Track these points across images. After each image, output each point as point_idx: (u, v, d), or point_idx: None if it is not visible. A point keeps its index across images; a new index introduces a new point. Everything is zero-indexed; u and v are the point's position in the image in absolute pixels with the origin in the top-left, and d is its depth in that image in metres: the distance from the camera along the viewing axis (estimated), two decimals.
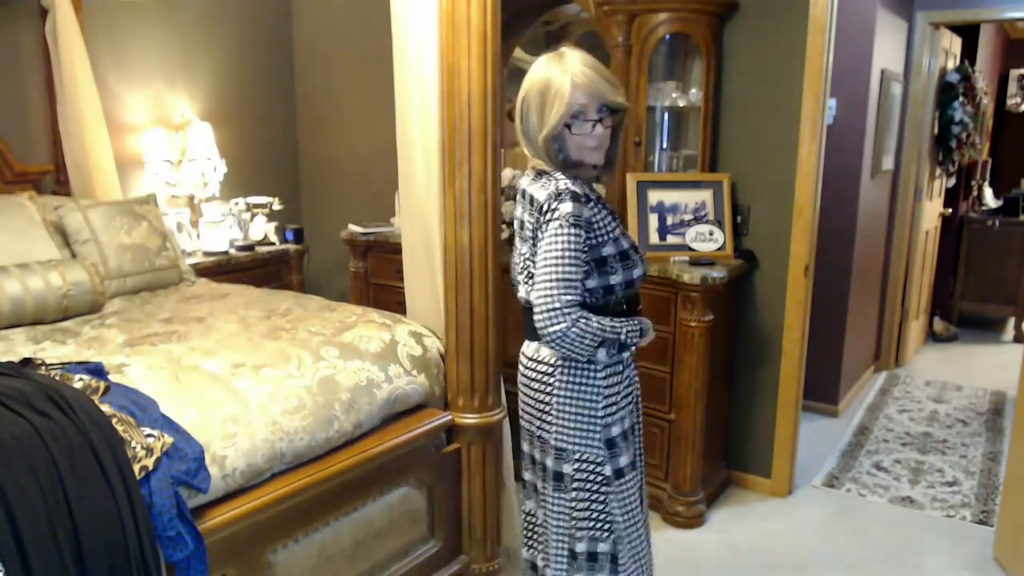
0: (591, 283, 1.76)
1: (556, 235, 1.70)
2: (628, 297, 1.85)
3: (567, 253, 1.70)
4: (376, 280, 3.93)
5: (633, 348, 1.85)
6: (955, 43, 5.31)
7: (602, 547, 1.90)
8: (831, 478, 3.57)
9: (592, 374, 1.84)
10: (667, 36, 3.21)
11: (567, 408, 1.85)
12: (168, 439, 1.75)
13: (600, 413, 1.84)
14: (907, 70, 4.76)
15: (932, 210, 5.44)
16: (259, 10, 4.42)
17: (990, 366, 5.32)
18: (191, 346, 2.26)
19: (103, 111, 3.46)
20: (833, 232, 4.06)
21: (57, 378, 1.85)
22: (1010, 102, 6.85)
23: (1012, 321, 6.14)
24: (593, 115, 1.70)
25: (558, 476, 1.89)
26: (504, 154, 3.64)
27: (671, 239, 3.23)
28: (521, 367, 1.97)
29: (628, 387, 1.92)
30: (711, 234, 3.19)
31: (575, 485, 1.87)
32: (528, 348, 1.95)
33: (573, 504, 1.89)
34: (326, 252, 4.62)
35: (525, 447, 2.00)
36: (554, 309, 1.69)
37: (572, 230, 1.70)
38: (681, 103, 3.40)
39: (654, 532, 3.08)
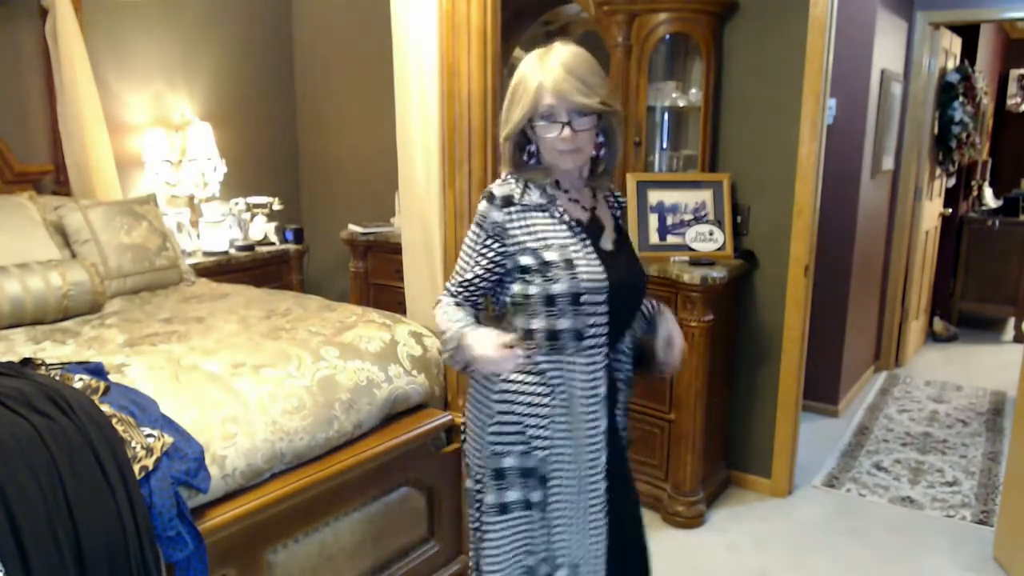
0: (532, 290, 1.64)
1: (469, 230, 1.73)
2: (577, 335, 1.64)
3: (464, 248, 1.72)
4: (376, 280, 3.93)
5: (446, 356, 1.70)
6: (955, 43, 5.31)
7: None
8: (831, 478, 3.57)
9: (488, 387, 1.70)
10: (667, 36, 3.21)
11: (469, 416, 1.79)
12: (168, 439, 1.75)
13: (487, 436, 1.70)
14: (907, 70, 4.76)
15: (932, 210, 5.44)
16: (259, 10, 4.42)
17: (990, 366, 5.32)
18: (191, 346, 2.26)
19: (103, 111, 3.46)
20: (833, 232, 4.06)
21: (57, 378, 1.85)
22: (1010, 102, 6.85)
23: (1012, 321, 6.14)
24: (562, 117, 1.61)
25: (467, 489, 1.82)
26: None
27: (671, 239, 3.23)
28: None
29: (538, 423, 1.67)
30: (711, 234, 3.19)
31: (473, 506, 1.78)
32: None
33: (473, 528, 1.80)
34: (326, 252, 4.62)
35: None
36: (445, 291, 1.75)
37: (474, 228, 1.70)
38: (681, 103, 3.40)
39: (654, 532, 3.08)
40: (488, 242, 1.66)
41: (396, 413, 2.37)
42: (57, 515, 1.51)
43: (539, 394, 1.67)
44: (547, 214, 1.67)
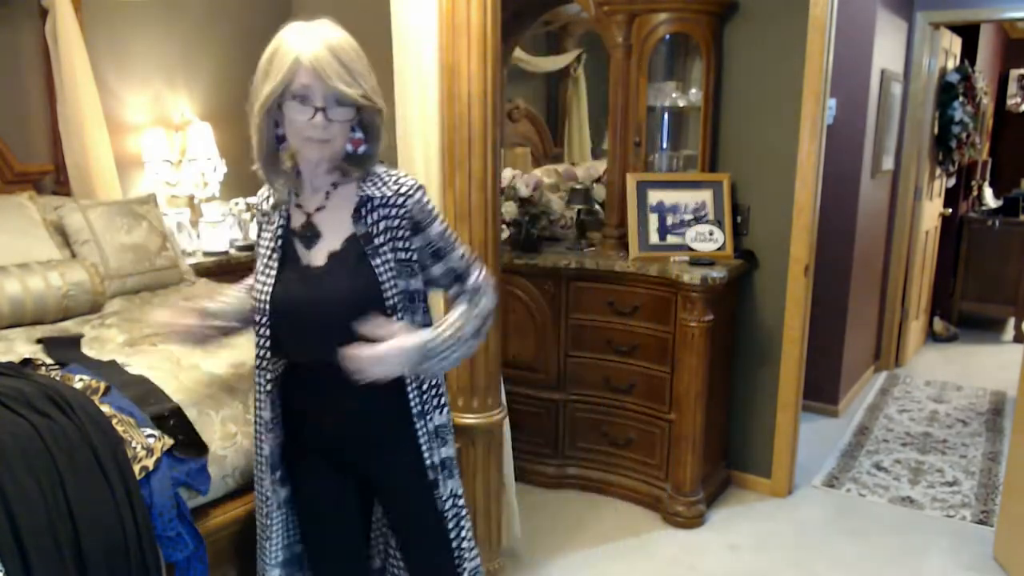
0: None
1: None
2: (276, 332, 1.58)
3: None
4: None
5: None
6: (955, 43, 5.31)
7: None
8: (831, 478, 3.57)
9: None
10: (667, 36, 3.21)
11: None
12: (169, 439, 1.75)
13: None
14: (907, 70, 4.76)
15: (932, 210, 5.44)
16: (259, 10, 4.42)
17: (990, 366, 5.32)
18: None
19: (103, 111, 3.46)
20: (833, 232, 4.06)
21: (57, 378, 1.85)
22: (1010, 102, 6.84)
23: (1012, 321, 6.14)
24: (318, 102, 1.43)
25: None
26: (504, 154, 3.64)
27: (671, 239, 3.23)
28: None
29: (262, 421, 1.65)
30: (711, 234, 3.19)
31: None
32: None
33: None
34: None
35: None
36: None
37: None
38: (681, 103, 3.40)
39: (654, 532, 3.09)
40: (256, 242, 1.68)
41: None
42: (57, 515, 1.51)
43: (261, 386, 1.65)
44: (268, 220, 1.63)
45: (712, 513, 3.24)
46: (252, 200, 4.14)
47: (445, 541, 1.67)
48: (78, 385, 1.82)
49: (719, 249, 3.18)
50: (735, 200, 3.28)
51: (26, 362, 2.01)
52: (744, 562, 2.90)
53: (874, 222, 4.61)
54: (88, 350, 2.25)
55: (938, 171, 5.41)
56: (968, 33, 5.62)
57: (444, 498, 1.66)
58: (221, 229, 3.91)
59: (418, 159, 2.46)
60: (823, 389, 4.30)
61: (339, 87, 1.42)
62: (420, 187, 1.59)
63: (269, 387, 1.62)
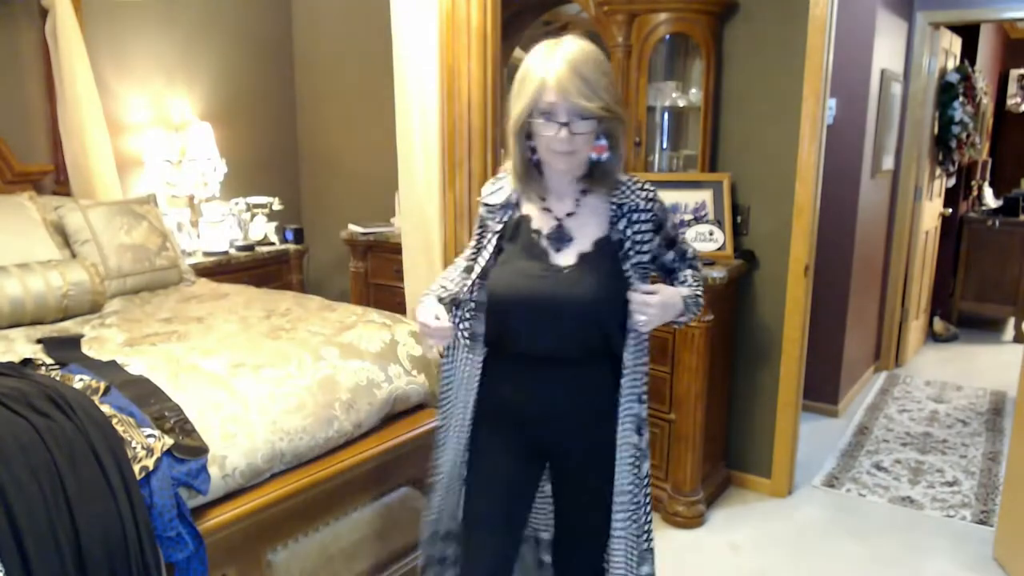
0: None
1: None
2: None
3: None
4: (376, 280, 3.93)
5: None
6: (955, 43, 5.30)
7: None
8: (831, 478, 3.57)
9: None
10: (667, 36, 3.21)
11: None
12: (168, 439, 1.75)
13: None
14: (907, 70, 4.76)
15: (932, 210, 5.44)
16: (259, 10, 4.42)
17: (990, 366, 5.32)
18: (191, 346, 2.26)
19: (103, 111, 3.46)
20: (833, 232, 4.06)
21: (57, 378, 1.85)
22: (1010, 102, 6.84)
23: (1012, 321, 6.14)
24: (561, 117, 1.55)
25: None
26: (504, 154, 3.64)
27: None
28: None
29: (458, 400, 1.80)
30: (711, 234, 3.19)
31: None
32: None
33: None
34: (326, 252, 4.62)
35: None
36: None
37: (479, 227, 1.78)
38: (681, 103, 3.40)
39: (654, 532, 3.08)
40: (476, 234, 1.77)
41: (396, 413, 2.37)
42: (57, 515, 1.52)
43: (457, 368, 1.80)
44: (495, 219, 1.73)
45: (712, 513, 3.24)
46: (252, 200, 4.14)
47: (628, 524, 1.76)
48: (78, 385, 1.82)
49: (719, 249, 3.18)
50: (735, 200, 3.28)
51: (26, 362, 2.01)
52: (744, 562, 2.90)
53: (874, 222, 4.61)
54: (88, 350, 2.25)
55: (938, 171, 5.41)
56: (968, 33, 5.61)
57: (643, 476, 1.76)
58: (221, 229, 3.91)
59: (418, 159, 2.47)
60: (823, 389, 4.30)
61: (580, 103, 1.54)
62: (655, 188, 1.74)
63: (479, 369, 1.75)
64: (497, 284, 1.69)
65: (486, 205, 1.76)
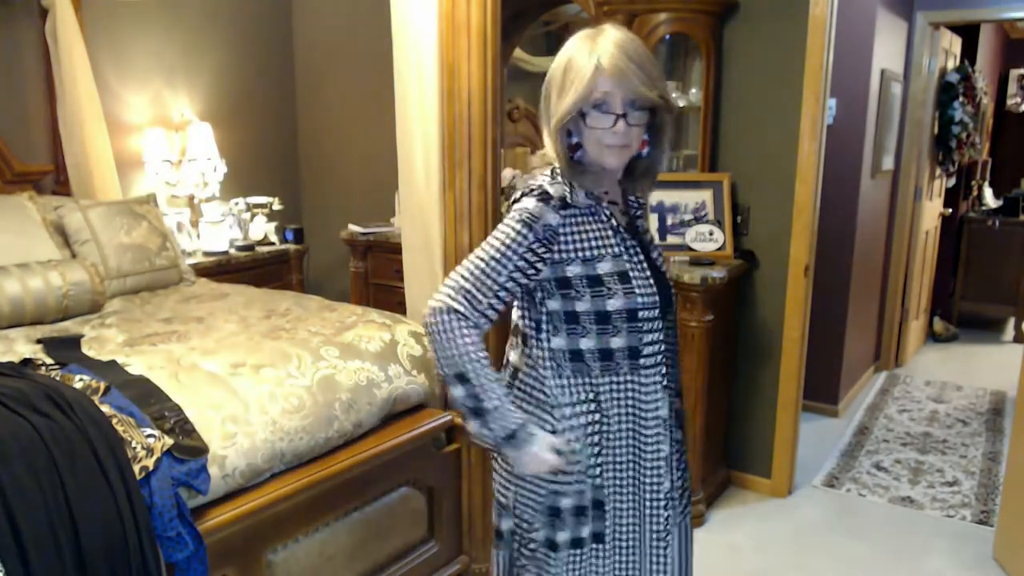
0: (579, 306, 1.47)
1: (501, 228, 1.45)
2: (633, 353, 1.48)
3: (493, 253, 1.43)
4: (376, 280, 3.93)
5: (478, 427, 1.45)
6: (955, 43, 5.30)
7: None
8: (831, 478, 3.57)
9: (547, 413, 1.51)
10: (667, 36, 3.21)
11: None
12: (168, 439, 1.75)
13: (543, 477, 1.52)
14: (907, 70, 4.76)
15: (932, 210, 5.44)
16: (259, 10, 4.42)
17: (990, 366, 5.32)
18: (191, 346, 2.26)
19: (103, 111, 3.46)
20: (833, 232, 4.06)
21: (57, 378, 1.85)
22: (1010, 102, 6.84)
23: (1012, 321, 6.14)
24: (617, 108, 1.40)
25: (497, 533, 1.64)
26: (504, 154, 3.64)
27: (671, 239, 3.23)
28: None
29: (601, 454, 1.53)
30: (711, 234, 3.19)
31: (513, 547, 1.61)
32: None
33: (512, 570, 1.63)
34: (326, 252, 4.61)
35: None
36: (448, 288, 1.45)
37: (517, 229, 1.43)
38: (681, 103, 3.40)
39: None
40: (535, 247, 1.43)
41: (396, 413, 2.37)
42: (57, 515, 1.51)
43: (594, 422, 1.51)
44: (596, 219, 1.49)
45: (712, 513, 3.24)
46: (252, 200, 4.14)
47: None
48: (78, 385, 1.82)
49: (719, 249, 3.17)
50: (735, 200, 3.28)
51: (26, 362, 2.01)
52: (744, 562, 2.90)
53: (874, 222, 4.60)
54: (88, 350, 2.25)
55: (938, 171, 5.41)
56: (968, 33, 5.62)
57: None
58: (221, 229, 3.91)
59: (418, 158, 2.46)
60: (823, 389, 4.30)
61: (640, 89, 1.40)
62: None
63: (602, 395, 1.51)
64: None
65: (567, 208, 1.46)
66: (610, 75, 1.39)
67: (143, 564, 1.60)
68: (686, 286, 2.95)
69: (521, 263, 1.43)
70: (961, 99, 5.14)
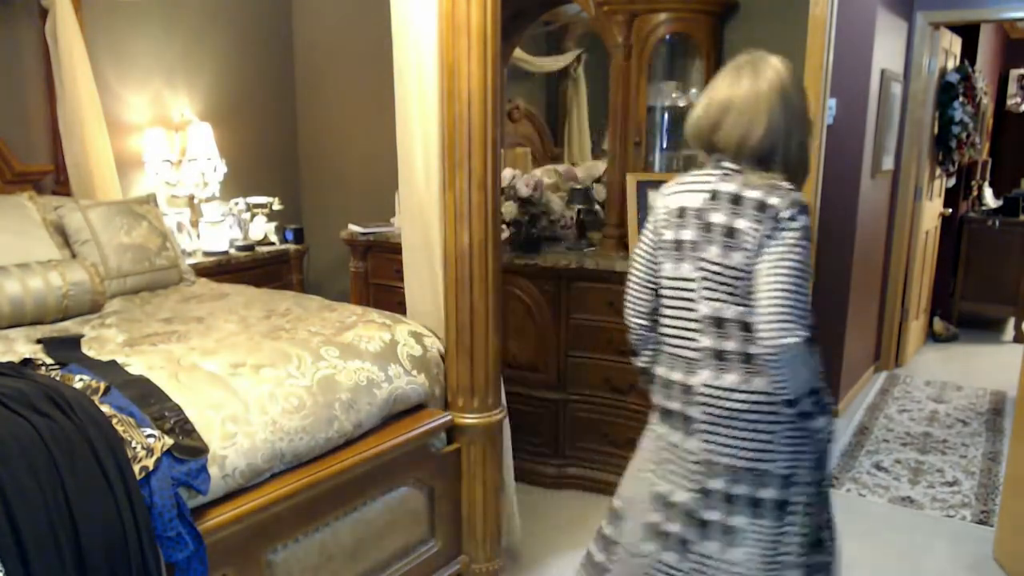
0: None
1: (796, 246, 1.61)
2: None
3: (806, 269, 1.61)
4: (376, 280, 3.93)
5: (821, 432, 1.73)
6: (955, 43, 5.30)
7: (820, 558, 1.86)
8: (831, 478, 3.57)
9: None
10: (667, 36, 3.21)
11: (795, 434, 1.72)
12: (168, 439, 1.75)
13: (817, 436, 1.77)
14: (907, 70, 4.76)
15: (932, 210, 5.44)
16: (259, 10, 4.42)
17: (990, 366, 5.32)
18: (191, 346, 2.26)
19: (103, 111, 3.46)
20: (833, 232, 4.06)
21: (57, 378, 1.85)
22: (1010, 102, 6.84)
23: (1012, 321, 6.14)
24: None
25: (781, 504, 1.76)
26: (504, 154, 3.64)
27: None
28: (723, 401, 1.73)
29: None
30: None
31: (799, 509, 1.78)
32: (732, 380, 1.72)
33: (795, 528, 1.78)
34: (326, 252, 4.61)
35: (718, 484, 1.77)
36: (789, 321, 1.58)
37: (808, 246, 1.62)
38: (681, 103, 3.39)
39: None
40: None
41: (396, 413, 2.37)
42: (57, 515, 1.51)
43: None
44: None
45: None
46: (252, 200, 4.14)
47: None
48: (78, 385, 1.82)
49: None
50: None
51: (26, 362, 2.01)
52: None
53: (874, 222, 4.60)
54: (88, 350, 2.25)
55: (938, 171, 5.41)
56: (968, 33, 5.61)
57: None
58: (221, 229, 3.91)
59: (418, 159, 2.46)
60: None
61: None
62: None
63: None
64: None
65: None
66: None
67: (143, 564, 1.60)
68: None
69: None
70: (961, 99, 5.14)
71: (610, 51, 3.25)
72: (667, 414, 1.85)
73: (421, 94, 2.39)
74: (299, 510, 2.00)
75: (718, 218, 1.70)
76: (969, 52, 5.68)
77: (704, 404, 1.75)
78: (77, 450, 1.59)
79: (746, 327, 1.68)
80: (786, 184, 1.68)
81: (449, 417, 2.44)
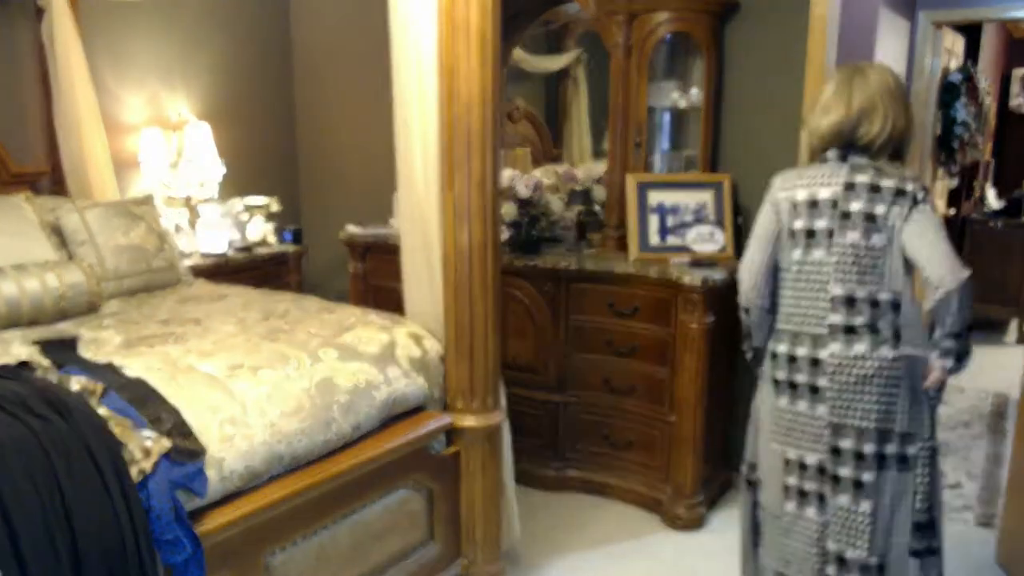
0: None
1: (933, 216, 1.96)
2: None
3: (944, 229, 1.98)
4: (375, 281, 3.91)
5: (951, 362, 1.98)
6: (958, 43, 5.30)
7: (935, 514, 2.10)
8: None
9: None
10: (667, 36, 3.20)
11: (912, 396, 2.01)
12: (166, 442, 1.73)
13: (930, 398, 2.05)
14: (909, 70, 4.75)
15: None
16: (258, 10, 4.41)
17: (992, 368, 5.28)
18: (188, 348, 2.25)
19: (100, 111, 3.45)
20: None
21: (54, 381, 1.84)
22: (1013, 102, 6.83)
23: (1015, 323, 6.12)
24: None
25: (903, 458, 2.03)
26: (504, 155, 3.63)
27: (671, 240, 3.21)
28: (853, 369, 2.00)
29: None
30: (712, 235, 3.18)
31: (917, 464, 2.04)
32: (861, 350, 1.99)
33: (918, 480, 2.05)
34: (325, 253, 4.60)
35: (848, 444, 2.04)
36: (958, 261, 1.93)
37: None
38: (681, 103, 3.38)
39: (655, 534, 3.08)
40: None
41: (395, 415, 2.36)
42: (54, 519, 1.51)
43: None
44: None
45: (713, 515, 3.22)
46: (250, 201, 4.13)
47: None
48: (75, 388, 1.81)
49: (720, 250, 3.16)
50: (736, 201, 3.27)
51: (23, 365, 1.99)
52: None
53: None
54: (85, 352, 2.24)
55: (941, 172, 5.40)
56: (971, 33, 5.61)
57: None
58: (219, 230, 3.89)
59: (417, 159, 2.45)
60: None
61: None
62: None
63: None
64: None
65: None
66: None
67: (140, 567, 1.59)
68: (686, 287, 2.93)
69: None
70: (964, 99, 5.14)
71: (610, 51, 3.23)
72: (790, 387, 2.10)
73: (420, 94, 2.38)
74: (298, 513, 1.99)
75: (856, 206, 1.97)
76: (972, 52, 5.67)
77: (833, 374, 2.02)
78: (74, 453, 1.58)
79: (875, 303, 1.96)
80: (908, 171, 2.00)
81: (448, 419, 2.43)
